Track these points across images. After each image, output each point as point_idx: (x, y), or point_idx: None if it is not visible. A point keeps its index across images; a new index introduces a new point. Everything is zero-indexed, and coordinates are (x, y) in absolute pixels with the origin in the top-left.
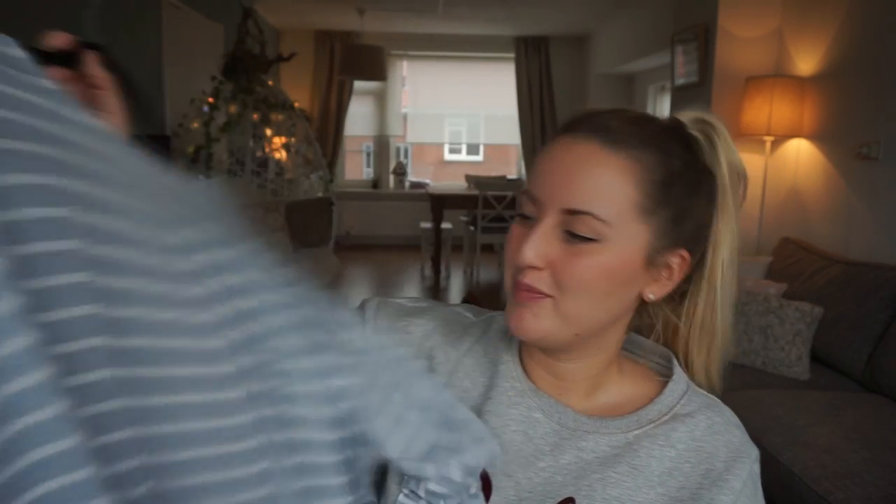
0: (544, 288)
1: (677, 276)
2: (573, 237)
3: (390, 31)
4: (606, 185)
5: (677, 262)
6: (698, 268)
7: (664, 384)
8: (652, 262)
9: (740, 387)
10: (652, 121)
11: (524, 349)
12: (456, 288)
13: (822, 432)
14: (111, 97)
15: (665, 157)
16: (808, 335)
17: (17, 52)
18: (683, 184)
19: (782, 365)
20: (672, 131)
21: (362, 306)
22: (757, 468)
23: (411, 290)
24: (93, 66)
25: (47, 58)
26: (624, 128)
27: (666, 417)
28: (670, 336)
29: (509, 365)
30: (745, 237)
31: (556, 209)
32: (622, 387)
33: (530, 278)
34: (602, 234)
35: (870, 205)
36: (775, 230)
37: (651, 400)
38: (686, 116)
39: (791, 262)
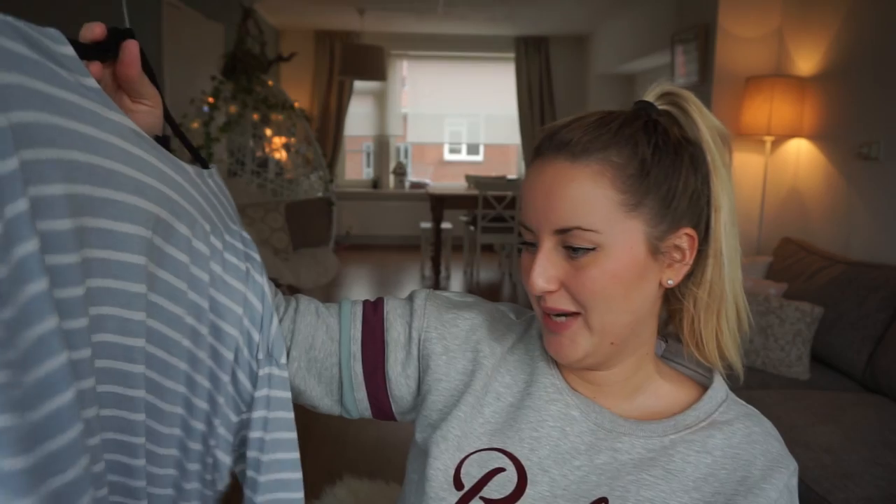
0: (567, 306)
1: (690, 254)
2: (573, 252)
3: (390, 31)
4: (583, 196)
5: (685, 241)
6: (704, 236)
7: (703, 391)
8: (657, 250)
9: (740, 387)
10: (612, 117)
11: None
12: (456, 288)
13: (822, 432)
14: (146, 84)
15: (633, 148)
16: (808, 335)
17: (68, 50)
18: (659, 167)
19: (782, 365)
20: (633, 120)
21: (411, 297)
22: (794, 482)
23: (411, 290)
24: (129, 54)
25: (86, 50)
26: (584, 136)
27: (703, 424)
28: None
29: (549, 364)
30: (746, 237)
31: (548, 232)
32: (660, 390)
33: (551, 301)
34: (597, 242)
35: (870, 205)
36: (775, 230)
37: (689, 406)
38: (652, 94)
39: (791, 263)
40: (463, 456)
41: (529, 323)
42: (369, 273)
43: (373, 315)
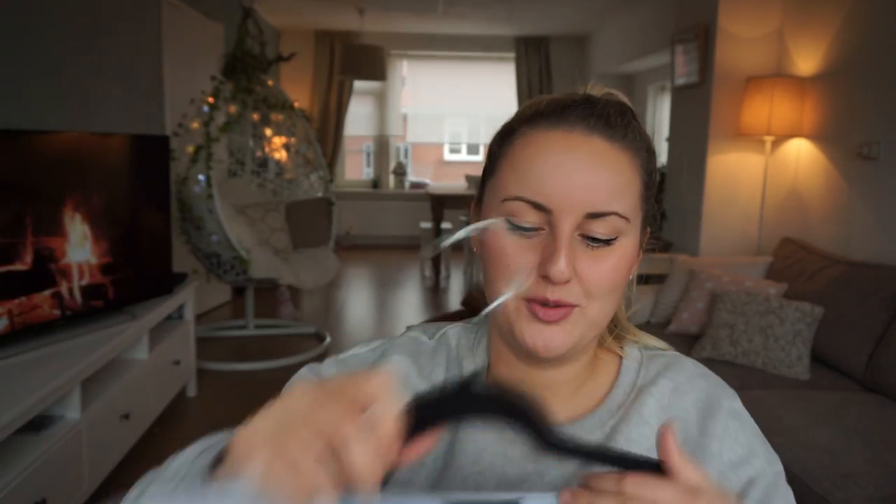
0: (575, 298)
1: (642, 252)
2: (594, 241)
3: (390, 31)
4: (623, 180)
5: (644, 239)
6: None
7: (617, 353)
8: (640, 244)
9: (740, 387)
10: (624, 106)
11: (498, 361)
12: (456, 288)
13: (822, 432)
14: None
15: (642, 140)
16: (808, 335)
17: None
18: (655, 163)
19: (782, 365)
20: (632, 112)
21: (317, 372)
22: (737, 405)
23: (411, 289)
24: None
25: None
26: (619, 119)
27: (632, 396)
28: None
29: None
30: (746, 237)
31: (575, 215)
32: (595, 374)
33: (561, 294)
34: (623, 231)
35: (870, 205)
36: (775, 230)
37: (613, 381)
38: (600, 90)
39: (791, 263)
40: None
41: (445, 341)
42: (369, 273)
43: None
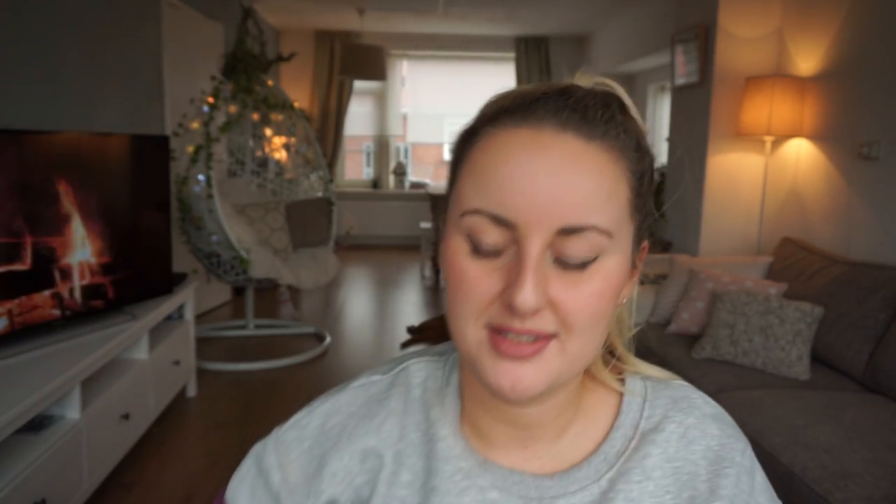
0: (549, 328)
1: (639, 270)
2: (569, 259)
3: (390, 31)
4: (602, 188)
5: (640, 256)
6: None
7: (618, 389)
8: (632, 262)
9: (740, 387)
10: (609, 96)
11: (472, 399)
12: None
13: (822, 432)
14: None
15: (633, 140)
16: (808, 335)
17: None
18: (650, 168)
19: (782, 365)
20: (623, 107)
21: (259, 468)
22: (746, 459)
23: (411, 290)
24: None
25: None
26: (599, 111)
27: (634, 443)
28: None
29: (448, 441)
30: (746, 237)
31: (544, 231)
32: (589, 411)
33: (534, 323)
34: (604, 248)
35: (870, 205)
36: (775, 230)
37: (612, 422)
38: (586, 80)
39: (791, 263)
40: None
41: (404, 379)
42: (369, 273)
43: None
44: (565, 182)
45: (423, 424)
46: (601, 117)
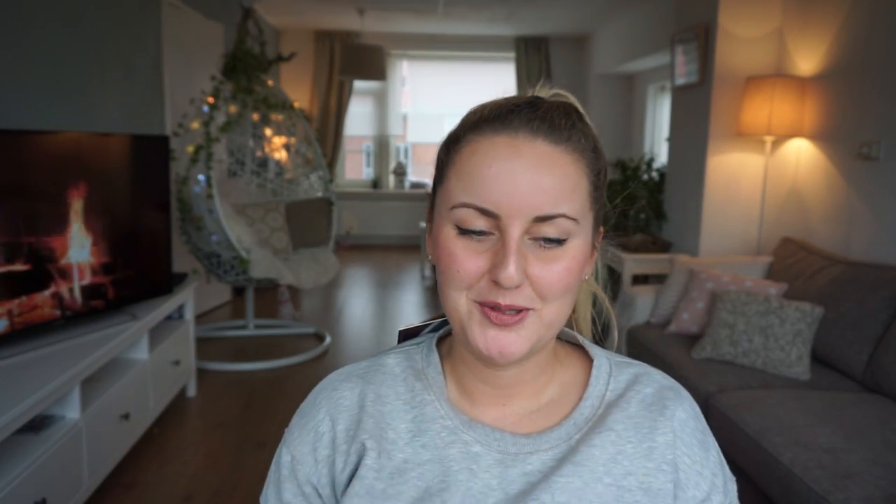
0: (528, 302)
1: (597, 250)
2: (545, 242)
3: (390, 31)
4: (568, 182)
5: (598, 238)
6: None
7: (587, 363)
8: (592, 244)
9: (740, 387)
10: (567, 107)
11: (453, 369)
12: None
13: (822, 432)
14: None
15: (593, 141)
16: (808, 335)
17: None
18: (604, 166)
19: (782, 365)
20: (578, 113)
21: (277, 463)
22: (687, 410)
23: (411, 289)
24: None
25: None
26: (562, 120)
27: (600, 411)
28: None
29: (435, 405)
30: (746, 237)
31: (522, 219)
32: (563, 376)
33: (513, 298)
34: (572, 232)
35: (870, 205)
36: (775, 230)
37: (581, 392)
38: (547, 92)
39: (791, 262)
40: None
41: (381, 366)
42: (369, 273)
43: None
44: (538, 180)
45: (405, 395)
46: (565, 125)
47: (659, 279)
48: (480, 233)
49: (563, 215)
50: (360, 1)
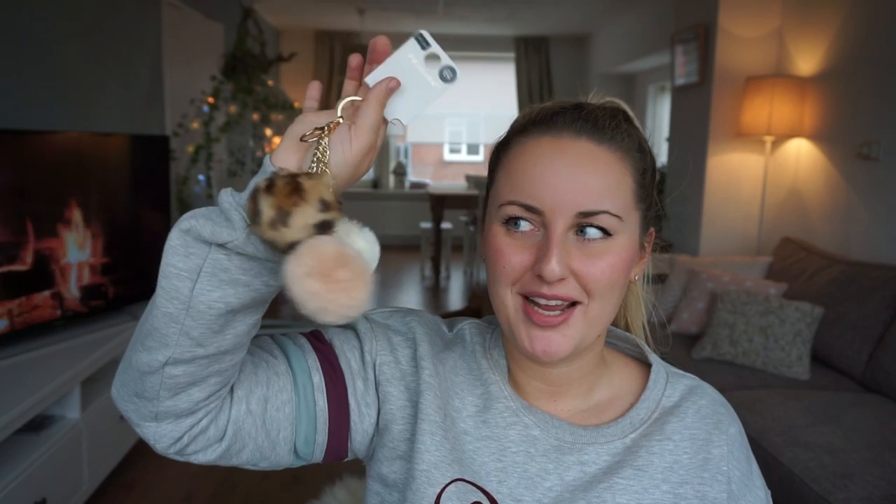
0: (574, 294)
1: (648, 252)
2: (588, 238)
3: (390, 31)
4: (613, 180)
5: (649, 240)
6: None
7: (644, 371)
8: (640, 244)
9: (740, 387)
10: (616, 110)
11: (512, 361)
12: (456, 288)
13: (822, 432)
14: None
15: (639, 142)
16: (808, 335)
17: None
18: (652, 166)
19: (782, 365)
20: (627, 117)
21: (348, 325)
22: (737, 426)
23: (411, 290)
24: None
25: None
26: (607, 121)
27: (655, 415)
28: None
29: (499, 385)
30: (746, 237)
31: (567, 215)
32: (612, 379)
33: (558, 290)
34: (616, 229)
35: (870, 205)
36: (775, 230)
37: (637, 396)
38: (600, 98)
39: (791, 262)
40: (438, 490)
41: (462, 336)
42: None
43: (321, 344)
44: (581, 177)
45: (476, 371)
46: (609, 125)
47: (659, 279)
48: (523, 221)
49: (606, 212)
50: (361, 1)
